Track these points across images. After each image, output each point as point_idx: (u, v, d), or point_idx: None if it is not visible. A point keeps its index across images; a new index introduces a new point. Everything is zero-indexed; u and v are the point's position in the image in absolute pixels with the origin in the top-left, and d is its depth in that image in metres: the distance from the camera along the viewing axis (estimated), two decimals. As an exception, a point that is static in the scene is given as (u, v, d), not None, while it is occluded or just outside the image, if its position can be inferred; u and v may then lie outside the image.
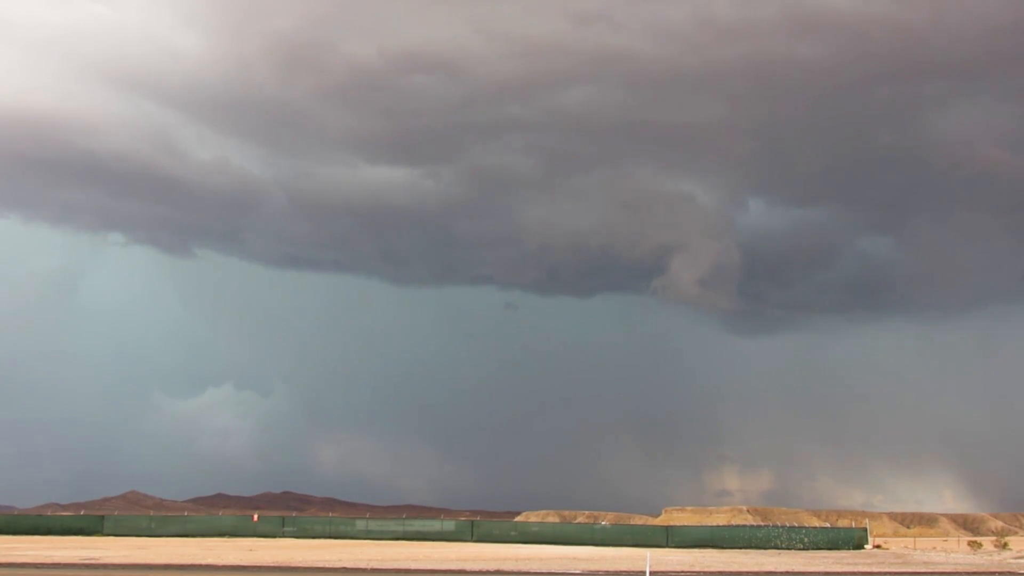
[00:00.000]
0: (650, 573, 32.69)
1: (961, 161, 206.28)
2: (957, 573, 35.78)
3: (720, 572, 34.48)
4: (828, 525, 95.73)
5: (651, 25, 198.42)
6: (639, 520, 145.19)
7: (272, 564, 35.26)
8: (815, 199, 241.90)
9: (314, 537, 59.88)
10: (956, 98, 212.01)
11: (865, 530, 59.95)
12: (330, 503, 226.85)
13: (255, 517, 65.45)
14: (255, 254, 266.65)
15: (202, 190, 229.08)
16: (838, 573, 34.67)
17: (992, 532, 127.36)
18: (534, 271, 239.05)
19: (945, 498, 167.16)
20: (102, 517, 64.97)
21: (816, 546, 55.28)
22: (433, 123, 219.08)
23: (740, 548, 54.32)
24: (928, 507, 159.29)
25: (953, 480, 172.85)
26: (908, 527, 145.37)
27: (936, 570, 37.38)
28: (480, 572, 32.87)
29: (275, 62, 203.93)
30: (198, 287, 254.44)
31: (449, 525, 61.87)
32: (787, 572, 35.21)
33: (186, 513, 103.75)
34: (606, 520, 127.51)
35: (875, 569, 37.22)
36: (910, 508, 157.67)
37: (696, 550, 52.69)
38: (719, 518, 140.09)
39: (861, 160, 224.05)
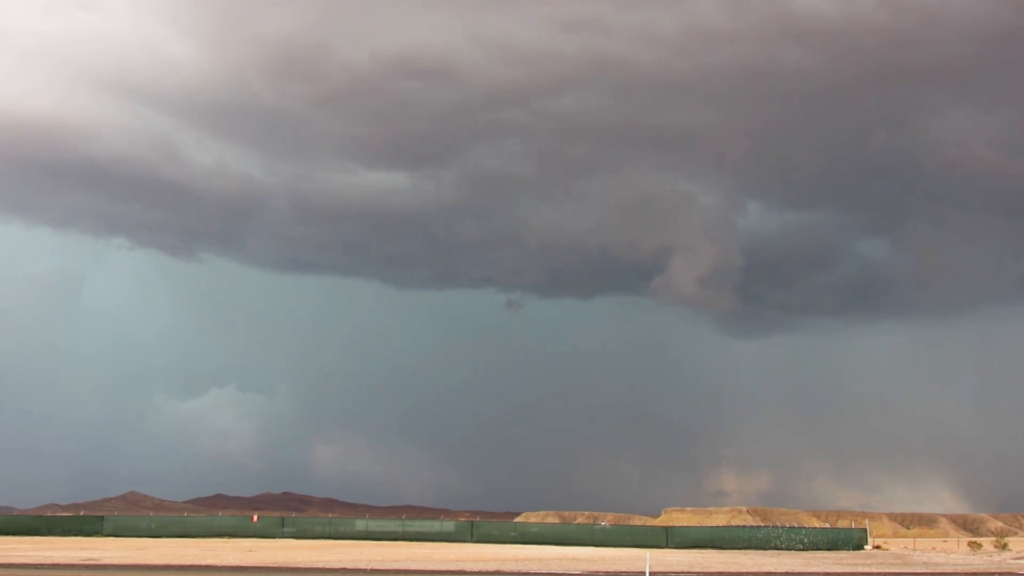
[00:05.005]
0: (650, 574, 32.67)
1: (955, 163, 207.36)
2: (957, 574, 35.77)
3: (720, 573, 34.46)
4: (828, 526, 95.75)
5: (643, 31, 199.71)
6: (639, 521, 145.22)
7: (272, 565, 35.25)
8: (812, 202, 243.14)
9: (314, 538, 59.85)
10: (948, 102, 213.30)
11: (865, 531, 59.95)
12: (330, 504, 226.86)
13: (255, 518, 65.43)
14: (257, 258, 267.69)
15: (202, 195, 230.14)
16: (838, 574, 34.66)
17: (992, 532, 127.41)
18: (535, 273, 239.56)
19: (943, 499, 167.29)
20: (102, 518, 64.94)
21: (816, 547, 55.26)
22: (429, 128, 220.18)
23: (740, 549, 54.30)
24: (927, 508, 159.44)
25: (951, 481, 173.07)
26: (908, 528, 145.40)
27: (936, 571, 37.36)
28: (480, 573, 32.86)
29: (270, 68, 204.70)
30: (200, 290, 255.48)
31: (449, 526, 61.84)
32: (787, 573, 35.20)
33: (186, 514, 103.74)
34: (606, 521, 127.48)
35: (875, 570, 37.21)
36: (909, 509, 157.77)
37: (696, 551, 52.68)
38: (719, 519, 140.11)
39: (856, 163, 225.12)
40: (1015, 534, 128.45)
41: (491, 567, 35.21)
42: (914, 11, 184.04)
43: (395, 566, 35.02)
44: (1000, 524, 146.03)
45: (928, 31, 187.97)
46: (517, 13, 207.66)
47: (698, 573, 34.09)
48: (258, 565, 35.22)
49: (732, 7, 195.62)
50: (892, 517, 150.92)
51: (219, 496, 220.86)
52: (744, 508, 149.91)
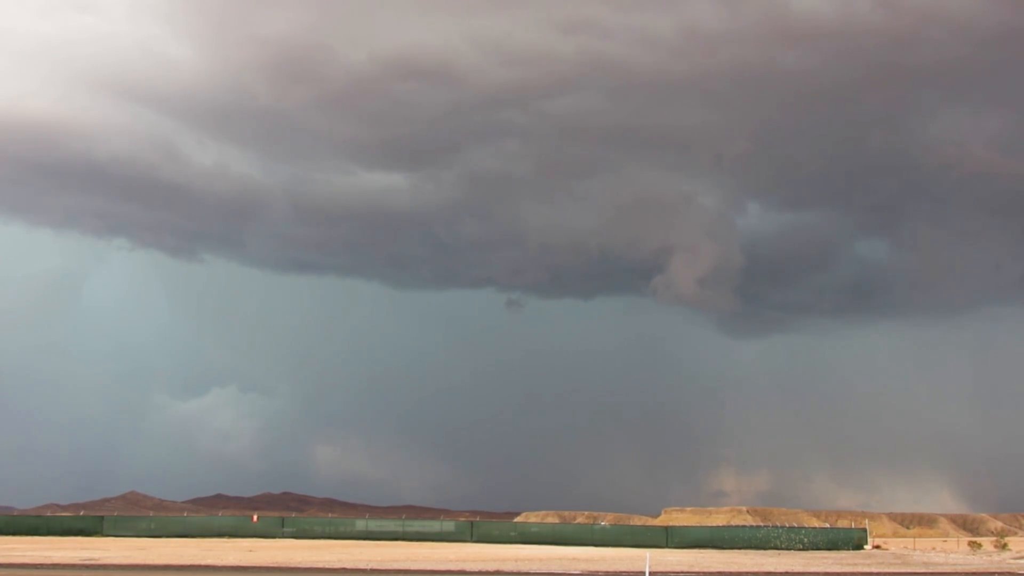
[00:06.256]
0: (650, 574, 32.68)
1: (954, 164, 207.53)
2: (957, 574, 35.78)
3: (720, 572, 34.47)
4: (827, 526, 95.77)
5: (640, 33, 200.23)
6: (639, 520, 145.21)
7: (272, 565, 35.26)
8: (811, 202, 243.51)
9: (314, 538, 59.87)
10: (946, 102, 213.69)
11: (865, 531, 59.96)
12: (329, 504, 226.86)
13: (255, 518, 65.43)
14: (257, 258, 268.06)
15: (202, 196, 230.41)
16: (838, 574, 34.68)
17: (992, 532, 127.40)
18: (535, 273, 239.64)
19: (943, 499, 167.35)
20: (102, 518, 64.94)
21: (816, 547, 55.27)
22: (428, 129, 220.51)
23: (740, 548, 54.32)
24: (927, 508, 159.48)
25: (951, 481, 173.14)
26: (907, 528, 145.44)
27: (936, 571, 37.38)
28: (480, 572, 32.87)
29: (269, 69, 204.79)
30: (200, 291, 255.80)
31: (449, 526, 61.85)
32: (787, 572, 35.21)
33: (186, 514, 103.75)
34: (606, 520, 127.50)
35: (875, 569, 37.22)
36: (909, 509, 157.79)
37: (696, 550, 52.69)
38: (719, 518, 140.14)
39: (855, 164, 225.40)
40: (1015, 534, 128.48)
41: (491, 567, 35.22)
42: (911, 11, 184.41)
43: (395, 566, 35.03)
44: (1000, 524, 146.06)
45: (925, 31, 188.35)
46: (515, 15, 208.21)
47: (698, 573, 34.10)
48: (258, 565, 35.23)
49: (729, 9, 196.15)
50: (892, 517, 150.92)
51: (219, 496, 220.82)
52: (744, 508, 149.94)
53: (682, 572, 34.24)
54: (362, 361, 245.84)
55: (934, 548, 68.62)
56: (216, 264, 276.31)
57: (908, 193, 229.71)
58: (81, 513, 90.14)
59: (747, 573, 34.43)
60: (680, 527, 64.92)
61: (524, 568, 34.97)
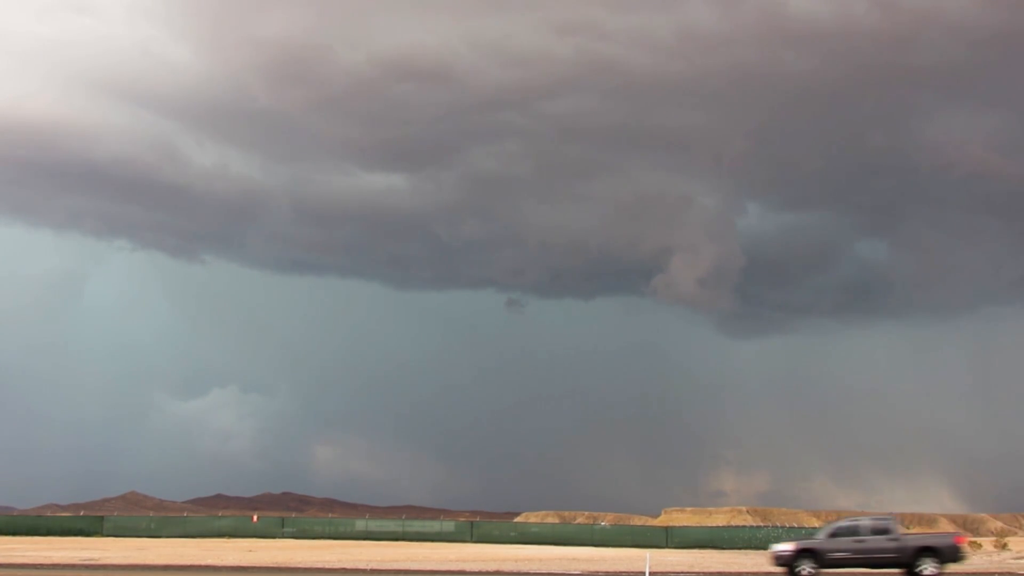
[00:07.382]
0: (649, 574, 32.68)
1: (952, 164, 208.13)
2: (957, 574, 35.73)
3: (720, 573, 34.46)
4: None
5: (638, 34, 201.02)
6: (639, 521, 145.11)
7: (272, 565, 35.24)
8: (810, 203, 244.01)
9: (314, 538, 59.87)
10: (944, 103, 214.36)
11: (865, 531, 59.82)
12: (330, 504, 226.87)
13: (255, 518, 65.43)
14: (258, 259, 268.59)
15: (203, 197, 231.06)
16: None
17: (992, 532, 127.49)
18: (535, 273, 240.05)
19: (943, 499, 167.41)
20: (102, 518, 64.95)
21: (816, 547, 55.14)
22: (427, 130, 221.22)
23: (740, 549, 54.28)
24: (927, 508, 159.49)
25: (950, 481, 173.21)
26: (907, 528, 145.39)
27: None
28: (480, 572, 32.85)
29: (268, 71, 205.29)
30: (201, 291, 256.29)
31: (449, 526, 61.85)
32: (787, 573, 35.14)
33: (186, 514, 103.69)
34: (606, 521, 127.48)
35: (875, 570, 37.14)
36: (909, 509, 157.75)
37: (696, 551, 52.67)
38: (719, 519, 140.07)
39: (853, 164, 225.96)
40: (1015, 534, 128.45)
41: (491, 567, 35.20)
42: (908, 12, 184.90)
43: (395, 566, 35.01)
44: (1000, 524, 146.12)
45: (923, 32, 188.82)
46: (513, 16, 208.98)
47: (698, 573, 34.08)
48: (258, 565, 35.21)
49: (726, 10, 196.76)
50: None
51: (219, 496, 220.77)
52: (744, 508, 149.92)
53: (682, 572, 34.22)
54: (362, 361, 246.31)
55: (934, 548, 68.40)
56: (216, 265, 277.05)
57: (907, 193, 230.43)
58: (81, 513, 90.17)
59: (747, 573, 34.42)
60: (680, 527, 64.89)
61: (524, 568, 34.95)
